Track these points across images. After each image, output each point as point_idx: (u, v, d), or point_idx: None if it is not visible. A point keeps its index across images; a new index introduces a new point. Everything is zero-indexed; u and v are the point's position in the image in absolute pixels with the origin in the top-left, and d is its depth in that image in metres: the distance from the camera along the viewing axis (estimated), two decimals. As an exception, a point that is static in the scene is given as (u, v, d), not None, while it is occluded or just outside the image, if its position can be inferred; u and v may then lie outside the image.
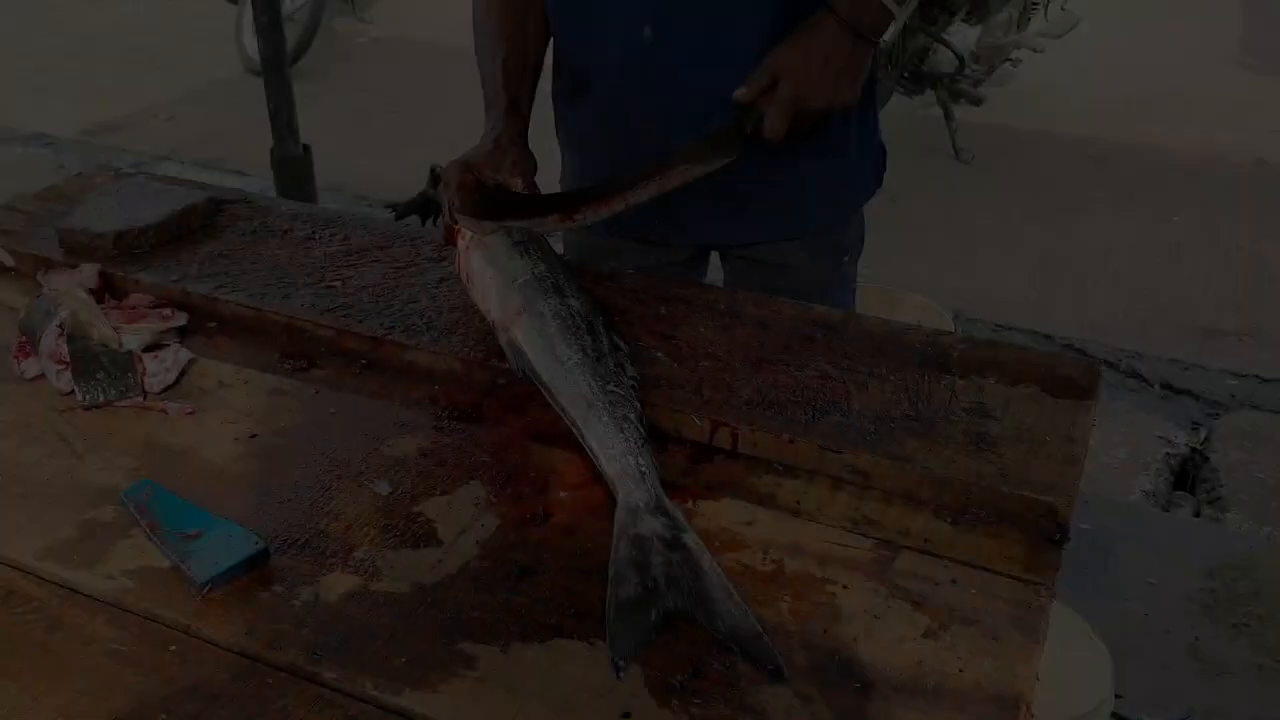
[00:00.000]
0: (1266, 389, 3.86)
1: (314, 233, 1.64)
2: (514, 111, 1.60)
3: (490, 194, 1.46)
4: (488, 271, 1.40)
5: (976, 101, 5.32)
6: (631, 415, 1.20)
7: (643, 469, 1.14)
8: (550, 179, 1.66)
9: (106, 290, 1.50)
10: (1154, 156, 5.49)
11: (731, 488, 1.19)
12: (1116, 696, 1.92)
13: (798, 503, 1.16)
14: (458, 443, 1.25)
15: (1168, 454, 3.51)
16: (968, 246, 4.64)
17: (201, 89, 6.42)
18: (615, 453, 1.16)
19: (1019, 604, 1.04)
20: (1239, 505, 3.28)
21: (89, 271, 1.49)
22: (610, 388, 1.22)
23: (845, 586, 1.06)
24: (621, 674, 0.95)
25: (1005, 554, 1.09)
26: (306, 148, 3.67)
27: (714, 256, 1.86)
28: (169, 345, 1.38)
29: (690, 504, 1.16)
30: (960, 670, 0.97)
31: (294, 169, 3.60)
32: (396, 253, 1.58)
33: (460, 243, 1.46)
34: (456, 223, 1.48)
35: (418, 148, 5.67)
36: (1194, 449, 3.55)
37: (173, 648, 1.00)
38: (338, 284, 1.50)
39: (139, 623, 1.03)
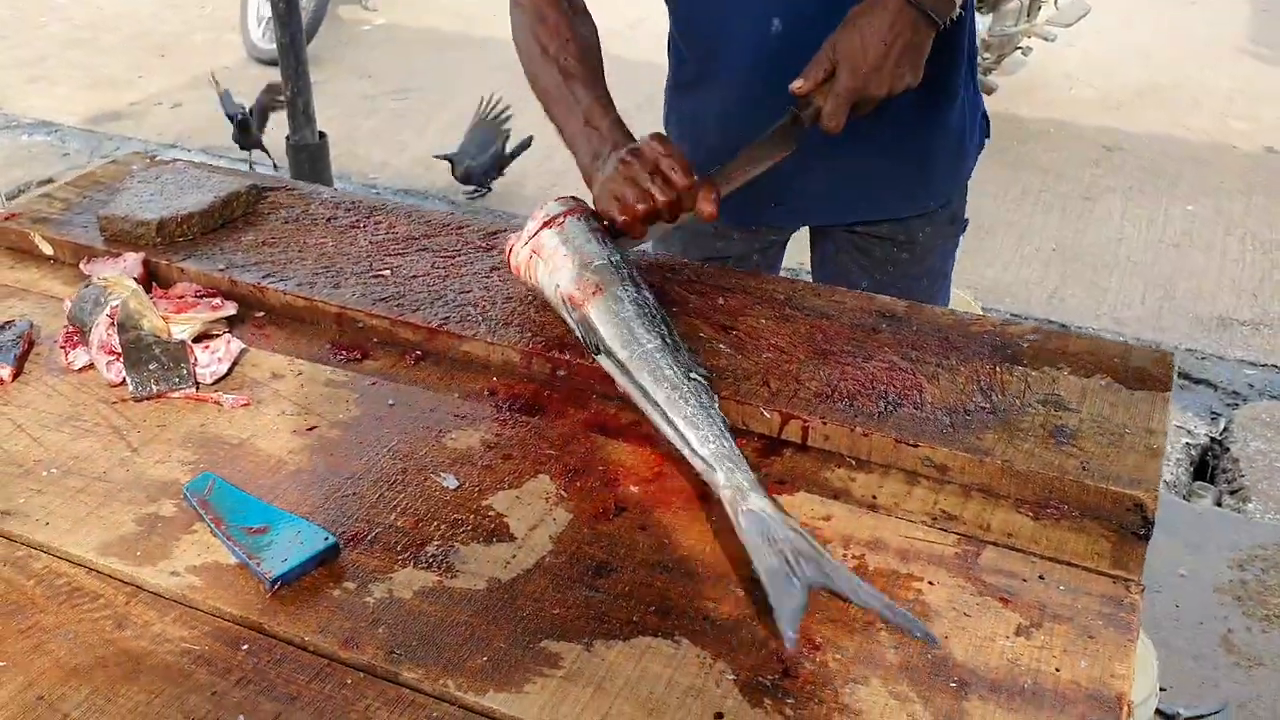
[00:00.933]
0: (1285, 379, 3.85)
1: (358, 221, 1.60)
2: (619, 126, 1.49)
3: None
4: (561, 250, 1.33)
5: (988, 90, 5.30)
6: (716, 405, 1.16)
7: (735, 452, 1.10)
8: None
9: (151, 279, 1.47)
10: (1165, 145, 5.47)
11: (804, 482, 1.16)
12: (1160, 689, 1.90)
13: (874, 497, 1.14)
14: (521, 435, 1.22)
15: (1187, 444, 3.50)
16: (980, 236, 4.61)
17: (205, 76, 6.36)
18: (706, 434, 1.12)
19: (1110, 600, 1.02)
20: (1260, 495, 3.27)
21: (133, 260, 1.46)
22: (693, 375, 1.18)
23: (931, 583, 1.03)
24: (793, 644, 0.95)
25: (1092, 549, 1.07)
26: (323, 135, 3.63)
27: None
28: (219, 335, 1.35)
29: (765, 498, 1.14)
30: (1056, 669, 0.95)
31: (311, 156, 3.56)
32: (444, 241, 1.55)
33: (515, 240, 1.40)
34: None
35: (426, 135, 5.64)
36: (1213, 439, 3.54)
37: (245, 647, 0.98)
38: (386, 273, 1.47)
39: (209, 621, 1.01)
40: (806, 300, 1.41)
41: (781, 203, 1.69)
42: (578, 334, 1.28)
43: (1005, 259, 4.48)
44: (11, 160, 5.35)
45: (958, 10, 1.43)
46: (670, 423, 1.15)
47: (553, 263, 1.33)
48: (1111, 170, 5.22)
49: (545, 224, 1.36)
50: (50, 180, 5.14)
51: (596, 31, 1.59)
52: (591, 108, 1.47)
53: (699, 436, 1.12)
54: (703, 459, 1.11)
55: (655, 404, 1.17)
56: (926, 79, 1.49)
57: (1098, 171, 5.22)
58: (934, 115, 1.66)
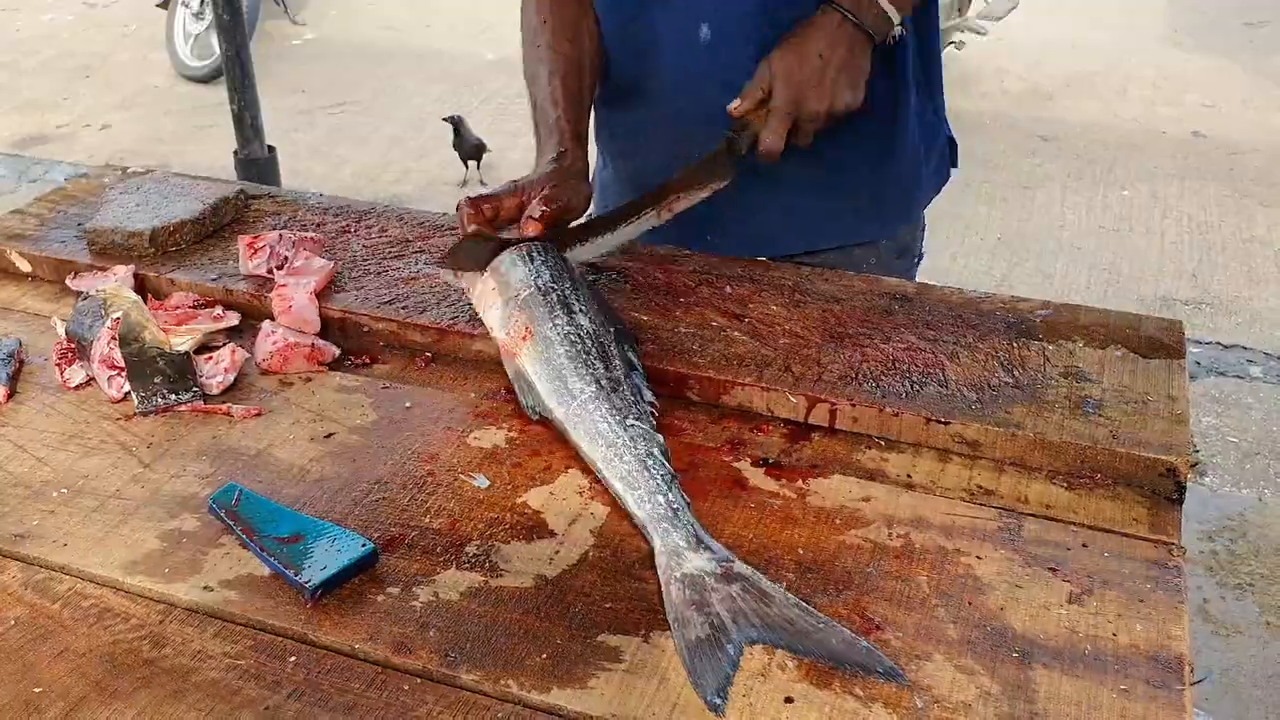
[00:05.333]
0: (1229, 355, 3.95)
1: (348, 225, 1.57)
2: (578, 139, 1.47)
3: (473, 242, 1.36)
4: (489, 283, 1.30)
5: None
6: (655, 450, 1.11)
7: (674, 506, 1.05)
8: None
9: (143, 292, 1.42)
10: (1098, 133, 5.61)
11: (838, 464, 1.16)
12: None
13: (909, 476, 1.14)
14: (546, 431, 1.20)
15: (1144, 423, 3.57)
16: (928, 230, 4.68)
17: (134, 96, 6.24)
18: (642, 494, 1.07)
19: (1155, 564, 1.03)
20: (1216, 469, 3.35)
21: (123, 273, 1.41)
22: (630, 421, 1.13)
23: (979, 557, 1.03)
24: (721, 712, 0.89)
25: (1129, 515, 1.08)
26: (271, 149, 3.56)
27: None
28: (222, 346, 1.31)
29: (800, 482, 1.13)
30: (1114, 634, 0.95)
31: (260, 170, 3.49)
32: (439, 243, 1.52)
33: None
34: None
35: (366, 148, 5.58)
36: (1167, 417, 3.62)
37: (293, 658, 0.95)
38: (386, 276, 1.44)
39: (250, 634, 0.97)
40: (815, 285, 1.41)
41: (724, 234, 1.61)
42: (516, 391, 1.23)
43: (953, 250, 4.55)
44: (-63, 188, 5.19)
45: (898, 29, 1.39)
46: (609, 483, 1.11)
47: (484, 298, 1.30)
48: (1048, 159, 5.34)
49: None
50: (-22, 207, 4.99)
51: (593, 29, 1.58)
52: (545, 100, 1.48)
53: (635, 498, 1.07)
54: (639, 521, 1.06)
55: (593, 463, 1.13)
56: (871, 104, 1.46)
57: (1035, 161, 5.33)
58: (880, 143, 1.58)
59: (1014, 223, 4.79)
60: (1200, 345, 3.99)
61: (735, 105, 1.39)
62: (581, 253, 1.40)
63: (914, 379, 1.23)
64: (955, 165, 1.76)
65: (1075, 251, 4.56)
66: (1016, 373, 1.23)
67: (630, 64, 1.61)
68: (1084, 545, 1.05)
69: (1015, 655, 0.93)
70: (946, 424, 1.16)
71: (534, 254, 1.31)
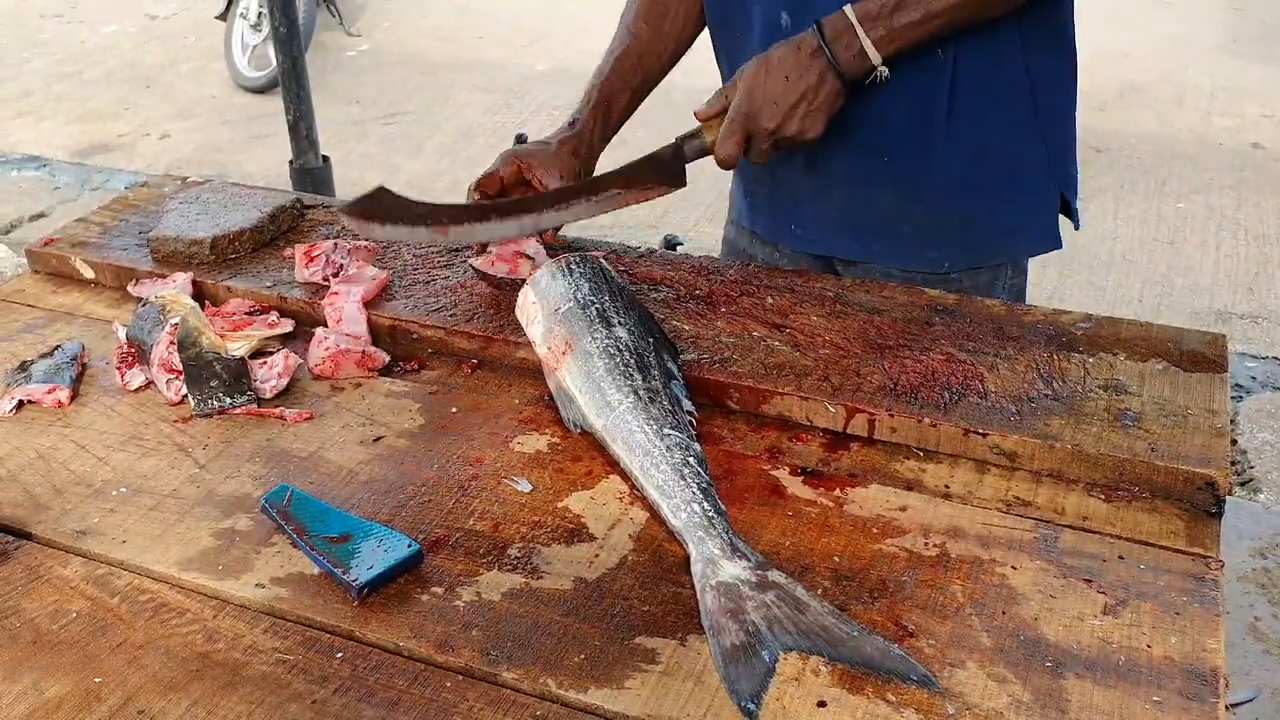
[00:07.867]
0: (1286, 370, 3.89)
1: (399, 235, 1.61)
2: (600, 114, 1.58)
3: (377, 197, 1.39)
4: (530, 295, 1.33)
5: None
6: (691, 459, 1.13)
7: (710, 515, 1.06)
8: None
9: (200, 299, 1.47)
10: (1152, 144, 5.54)
11: (876, 474, 1.17)
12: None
13: (947, 487, 1.15)
14: (586, 438, 1.23)
15: (1196, 437, 3.52)
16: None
17: (192, 106, 6.37)
18: (678, 503, 1.08)
19: (1191, 577, 1.03)
20: (1271, 485, 3.30)
21: (183, 280, 1.46)
22: (666, 430, 1.15)
23: (1014, 567, 1.04)
24: (755, 718, 0.90)
25: (1166, 528, 1.09)
26: (326, 158, 3.63)
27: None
28: (276, 351, 1.35)
29: (838, 491, 1.15)
30: (1148, 646, 0.96)
31: (315, 179, 3.56)
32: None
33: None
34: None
35: (419, 158, 5.66)
36: (1221, 432, 3.56)
37: (339, 655, 0.98)
38: (435, 285, 1.48)
39: (300, 631, 1.01)
40: (855, 296, 1.43)
41: (800, 227, 1.64)
42: (558, 406, 1.26)
43: (1003, 261, 4.51)
44: (3, 196, 5.32)
45: (882, 69, 1.37)
46: (646, 492, 1.12)
47: (525, 312, 1.33)
48: (1101, 171, 5.28)
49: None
50: (42, 215, 5.12)
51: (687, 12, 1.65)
52: (596, 71, 1.63)
53: (671, 506, 1.09)
54: (676, 530, 1.08)
55: (632, 472, 1.15)
56: (982, 143, 1.50)
57: (1088, 172, 5.27)
58: (977, 177, 1.55)
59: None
60: (1256, 360, 3.93)
61: (700, 108, 1.42)
62: (499, 230, 1.43)
63: (953, 390, 1.23)
64: (1077, 224, 1.72)
65: (1127, 264, 4.51)
66: (1056, 385, 1.24)
67: (727, 50, 1.65)
68: (1120, 557, 1.05)
69: (1048, 665, 0.94)
70: (985, 435, 1.17)
71: (573, 267, 1.33)
